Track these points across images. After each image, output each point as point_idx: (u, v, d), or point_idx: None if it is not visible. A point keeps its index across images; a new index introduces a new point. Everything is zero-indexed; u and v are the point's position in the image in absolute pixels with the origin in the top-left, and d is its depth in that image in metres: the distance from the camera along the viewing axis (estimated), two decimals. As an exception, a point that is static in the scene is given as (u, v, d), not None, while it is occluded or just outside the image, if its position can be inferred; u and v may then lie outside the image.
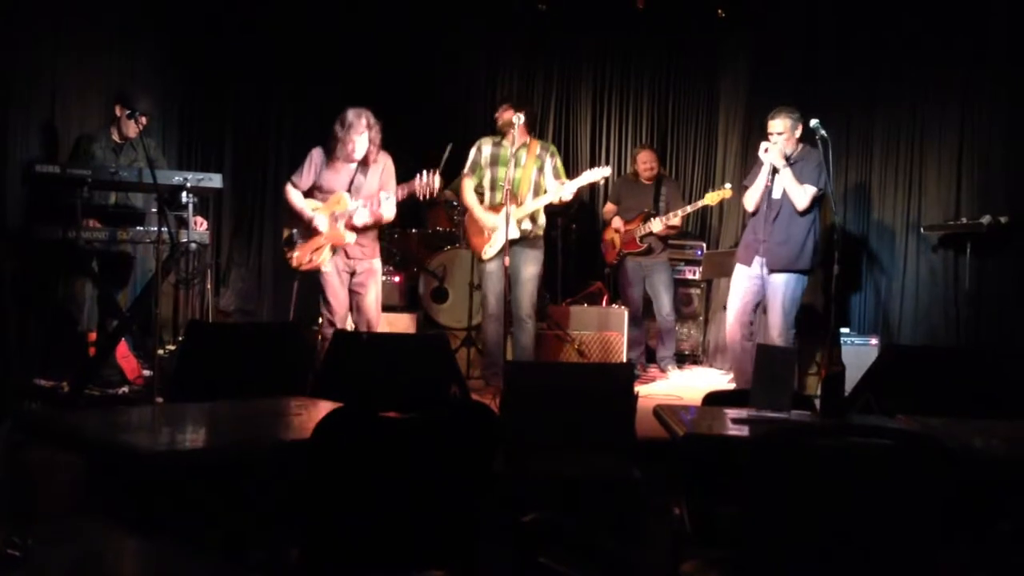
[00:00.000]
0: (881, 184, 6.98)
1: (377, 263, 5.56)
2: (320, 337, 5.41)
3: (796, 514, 2.20)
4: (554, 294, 7.49)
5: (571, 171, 6.63)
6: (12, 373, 5.10)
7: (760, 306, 5.79)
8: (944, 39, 6.57)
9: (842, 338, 6.24)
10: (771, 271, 5.60)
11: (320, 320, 5.51)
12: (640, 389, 5.26)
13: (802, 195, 5.51)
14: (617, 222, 7.21)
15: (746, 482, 2.20)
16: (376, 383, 3.80)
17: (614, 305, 7.24)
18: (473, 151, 6.16)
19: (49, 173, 4.88)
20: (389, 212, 5.46)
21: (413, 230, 7.63)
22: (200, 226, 5.40)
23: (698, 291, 7.99)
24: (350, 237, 5.37)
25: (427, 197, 5.50)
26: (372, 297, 5.49)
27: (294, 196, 5.45)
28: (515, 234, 5.84)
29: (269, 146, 7.47)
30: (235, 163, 7.26)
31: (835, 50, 7.18)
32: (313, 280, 5.50)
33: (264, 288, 7.44)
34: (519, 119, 5.90)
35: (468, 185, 6.16)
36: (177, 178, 5.08)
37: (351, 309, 5.52)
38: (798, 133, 5.59)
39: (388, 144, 5.54)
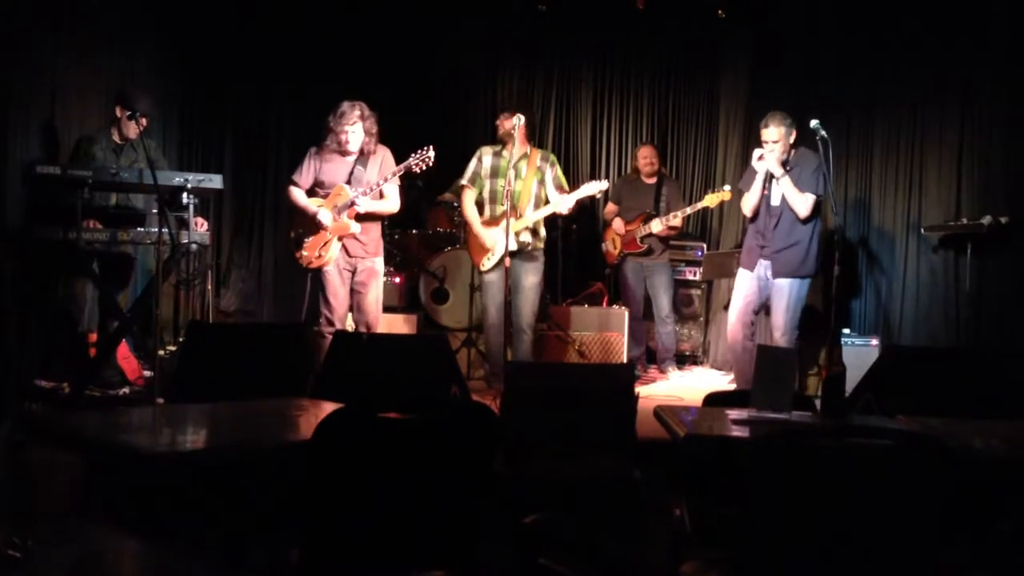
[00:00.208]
0: (881, 185, 6.98)
1: (379, 263, 5.56)
2: (320, 337, 5.41)
3: (797, 515, 2.20)
4: (555, 295, 7.48)
5: (571, 172, 6.65)
6: (12, 374, 5.11)
7: (762, 307, 5.79)
8: (944, 40, 6.57)
9: (843, 339, 6.24)
10: (776, 276, 5.59)
11: (320, 320, 5.51)
12: (640, 390, 5.26)
13: (803, 203, 5.47)
14: (618, 223, 7.21)
15: (746, 483, 2.20)
16: (376, 384, 3.80)
17: (614, 306, 7.24)
18: (474, 161, 6.15)
19: (50, 174, 4.89)
20: (393, 198, 5.46)
21: (413, 231, 7.63)
22: (200, 227, 5.40)
23: (698, 292, 7.98)
24: (355, 227, 5.36)
25: (423, 169, 5.49)
26: (373, 297, 5.49)
27: (297, 194, 5.46)
28: (514, 247, 5.83)
29: (269, 146, 7.47)
30: (235, 163, 7.25)
31: (835, 50, 7.18)
32: (318, 279, 5.50)
33: (265, 289, 7.43)
34: (519, 119, 5.91)
35: (469, 197, 6.15)
36: (177, 179, 5.09)
37: (351, 308, 5.52)
38: (792, 138, 5.54)
39: (388, 144, 5.55)
